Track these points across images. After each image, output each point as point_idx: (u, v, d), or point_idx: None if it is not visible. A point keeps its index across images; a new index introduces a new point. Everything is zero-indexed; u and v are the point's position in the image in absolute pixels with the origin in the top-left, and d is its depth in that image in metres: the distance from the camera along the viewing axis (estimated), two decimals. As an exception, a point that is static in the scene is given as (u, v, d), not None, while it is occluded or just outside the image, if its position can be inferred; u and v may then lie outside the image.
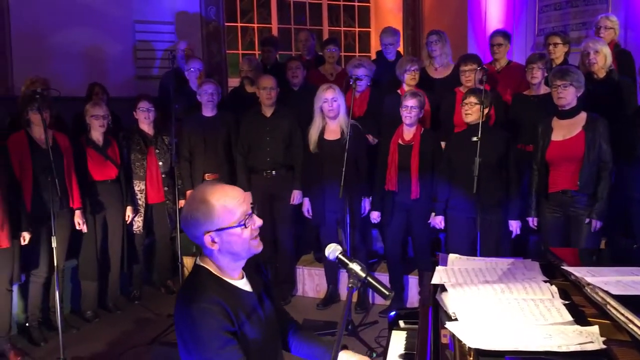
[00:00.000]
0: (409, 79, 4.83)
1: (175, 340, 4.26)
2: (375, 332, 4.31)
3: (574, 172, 3.87)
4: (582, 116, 3.92)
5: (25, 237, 4.10)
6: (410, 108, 4.37)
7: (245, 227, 1.86)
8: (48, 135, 3.99)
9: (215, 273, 1.92)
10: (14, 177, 4.10)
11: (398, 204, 4.52)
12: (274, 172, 4.90)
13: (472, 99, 4.09)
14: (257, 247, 1.93)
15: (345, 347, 2.13)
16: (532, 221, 4.10)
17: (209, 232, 1.84)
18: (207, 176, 5.07)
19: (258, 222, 1.91)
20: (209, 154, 5.08)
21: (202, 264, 1.94)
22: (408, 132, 4.49)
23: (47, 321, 4.57)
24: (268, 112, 4.94)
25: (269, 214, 4.87)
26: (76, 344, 4.27)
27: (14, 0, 5.73)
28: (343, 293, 5.06)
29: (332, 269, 4.96)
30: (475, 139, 3.92)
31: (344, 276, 4.99)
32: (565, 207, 3.94)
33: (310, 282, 5.28)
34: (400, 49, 7.26)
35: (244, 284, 1.98)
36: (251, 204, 1.91)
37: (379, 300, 4.97)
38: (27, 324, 4.48)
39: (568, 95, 3.87)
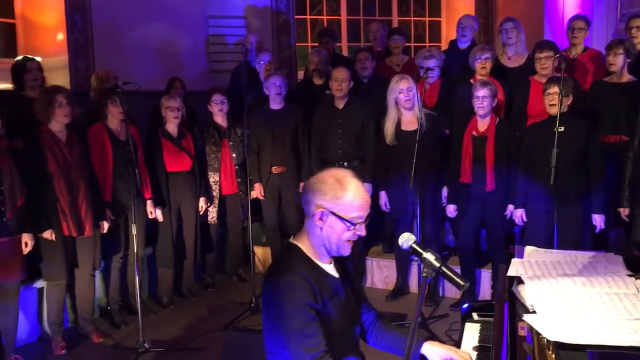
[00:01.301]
0: (480, 67, 4.72)
1: (247, 326, 4.39)
2: (446, 325, 4.27)
3: None
4: None
5: (105, 226, 4.30)
6: (481, 98, 4.27)
7: (352, 229, 1.93)
8: (124, 128, 4.16)
9: (307, 253, 1.99)
10: (93, 168, 4.29)
11: (473, 196, 4.43)
12: (345, 163, 4.91)
13: (556, 89, 3.93)
14: (346, 250, 2.00)
15: (430, 338, 2.12)
16: (624, 212, 3.93)
17: (322, 207, 1.91)
18: (274, 169, 5.15)
19: (362, 232, 1.97)
20: (277, 147, 5.13)
21: (295, 243, 2.02)
22: (482, 123, 4.38)
23: (126, 305, 4.79)
24: (340, 104, 4.96)
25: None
26: (154, 328, 4.46)
27: (96, -1, 5.99)
28: (412, 285, 5.03)
29: (403, 260, 4.93)
30: (559, 129, 3.78)
31: (414, 268, 4.96)
32: None
33: (379, 273, 5.28)
34: (473, 38, 7.11)
35: (331, 269, 2.03)
36: (367, 215, 1.97)
37: (449, 293, 4.91)
38: (108, 307, 4.72)
39: None
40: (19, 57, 4.89)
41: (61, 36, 5.83)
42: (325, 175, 1.96)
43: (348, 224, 1.92)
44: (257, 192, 5.17)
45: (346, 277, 2.10)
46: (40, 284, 4.27)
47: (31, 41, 5.93)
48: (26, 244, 3.80)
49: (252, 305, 4.69)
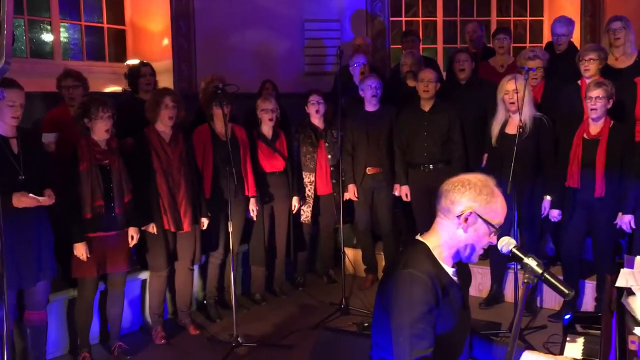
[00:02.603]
0: (583, 69, 4.49)
1: (337, 327, 4.40)
2: (544, 337, 4.07)
3: None
4: None
5: (204, 223, 4.45)
6: (595, 99, 4.03)
7: (494, 234, 1.93)
8: (227, 129, 4.30)
9: (434, 252, 1.96)
10: (197, 167, 4.47)
11: (579, 202, 4.20)
12: (431, 166, 4.84)
13: None
14: (475, 258, 1.99)
15: (530, 348, 2.04)
16: None
17: (473, 209, 1.90)
18: (368, 170, 5.15)
19: (494, 241, 1.96)
20: (372, 149, 5.13)
21: (423, 240, 2.00)
22: (594, 126, 4.13)
23: (221, 300, 4.95)
24: (426, 106, 4.89)
25: (427, 210, 4.80)
26: (247, 323, 4.58)
27: (199, 5, 6.23)
28: (507, 293, 4.85)
29: (499, 267, 4.77)
30: None
31: (510, 276, 4.78)
32: None
33: (473, 280, 5.12)
34: (577, 37, 6.77)
35: (453, 274, 2.00)
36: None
37: (547, 303, 4.70)
38: (204, 302, 4.89)
39: None
40: (135, 62, 5.16)
41: (166, 41, 6.12)
42: (471, 178, 1.96)
43: (492, 229, 1.92)
44: (350, 193, 5.19)
45: (463, 284, 2.07)
46: (144, 276, 4.51)
47: (139, 46, 6.29)
48: (132, 237, 4.02)
49: (342, 306, 4.71)
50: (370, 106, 5.14)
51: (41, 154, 3.69)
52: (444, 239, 1.96)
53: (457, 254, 1.97)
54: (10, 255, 3.34)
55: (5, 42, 1.13)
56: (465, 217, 1.90)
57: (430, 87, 4.80)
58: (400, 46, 6.76)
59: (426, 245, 1.97)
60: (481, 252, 1.97)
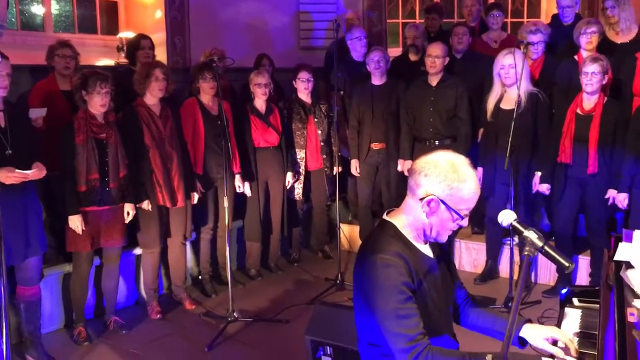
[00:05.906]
0: (585, 42, 4.45)
1: (333, 302, 4.40)
2: (538, 312, 4.10)
3: None
4: None
5: (194, 197, 4.42)
6: (591, 74, 4.00)
7: (461, 220, 1.86)
8: (219, 103, 4.23)
9: (402, 231, 1.92)
10: (186, 142, 4.41)
11: (571, 178, 4.20)
12: (437, 142, 4.80)
13: None
14: (445, 238, 1.93)
15: (529, 321, 2.04)
16: None
17: (434, 195, 1.83)
18: (373, 145, 5.12)
19: (465, 224, 1.89)
20: (377, 123, 5.10)
21: (390, 220, 1.95)
22: (589, 101, 4.12)
23: (216, 275, 4.95)
24: (434, 81, 4.83)
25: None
26: (242, 298, 4.57)
27: (192, -23, 6.11)
28: (502, 269, 4.88)
29: (494, 243, 4.78)
30: None
31: (505, 251, 4.80)
32: None
33: (467, 255, 5.16)
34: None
35: (426, 249, 1.97)
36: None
37: (542, 279, 4.74)
38: (199, 277, 4.89)
39: None
40: (131, 35, 5.04)
41: (159, 14, 6.01)
42: (439, 159, 1.86)
43: (456, 216, 1.84)
44: (352, 169, 5.16)
45: (441, 256, 2.03)
46: (139, 251, 4.48)
47: (132, 18, 6.17)
48: (128, 213, 3.98)
49: (338, 281, 4.72)
50: (376, 79, 5.09)
51: (28, 128, 3.58)
52: (409, 220, 1.91)
53: (424, 234, 1.92)
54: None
55: None
56: (426, 203, 1.84)
57: (437, 62, 4.71)
58: (396, 20, 6.66)
59: (394, 225, 1.92)
60: (450, 232, 1.92)
